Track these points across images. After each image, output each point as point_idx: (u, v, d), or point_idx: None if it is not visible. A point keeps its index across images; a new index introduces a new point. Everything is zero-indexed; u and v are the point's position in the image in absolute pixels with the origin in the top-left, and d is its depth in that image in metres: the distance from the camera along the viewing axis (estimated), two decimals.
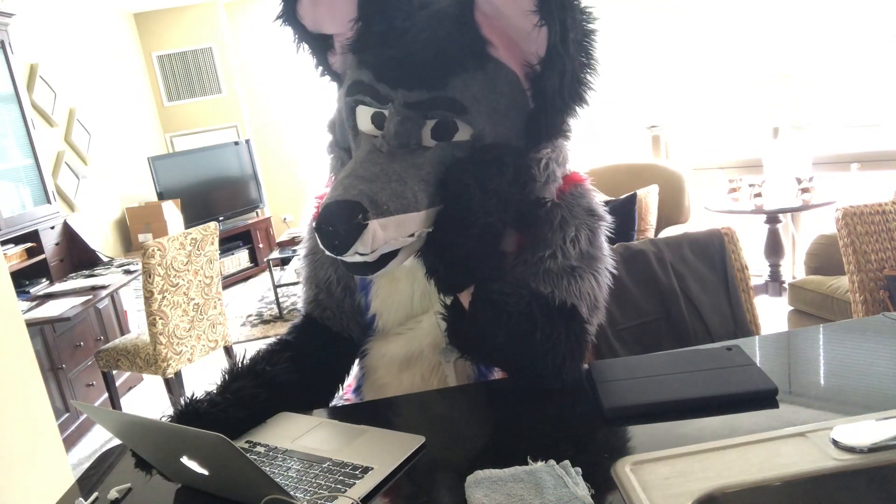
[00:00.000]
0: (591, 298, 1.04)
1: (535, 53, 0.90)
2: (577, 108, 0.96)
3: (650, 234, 3.55)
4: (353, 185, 0.88)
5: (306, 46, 1.05)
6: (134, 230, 5.12)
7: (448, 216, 0.94)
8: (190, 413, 0.99)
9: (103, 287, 3.32)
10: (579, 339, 1.01)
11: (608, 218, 1.11)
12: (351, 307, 1.19)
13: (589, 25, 0.91)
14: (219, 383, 1.10)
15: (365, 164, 0.92)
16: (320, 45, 1.05)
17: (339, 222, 0.85)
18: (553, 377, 1.00)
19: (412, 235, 0.93)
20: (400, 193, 0.90)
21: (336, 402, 1.26)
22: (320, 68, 1.09)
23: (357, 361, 1.24)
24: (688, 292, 1.55)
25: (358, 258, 0.89)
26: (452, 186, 0.93)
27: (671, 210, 3.72)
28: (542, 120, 0.95)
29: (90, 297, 3.16)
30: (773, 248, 3.78)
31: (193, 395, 1.04)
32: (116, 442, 1.02)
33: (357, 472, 0.86)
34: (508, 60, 0.92)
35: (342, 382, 1.22)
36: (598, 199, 1.13)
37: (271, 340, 1.20)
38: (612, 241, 1.72)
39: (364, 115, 1.00)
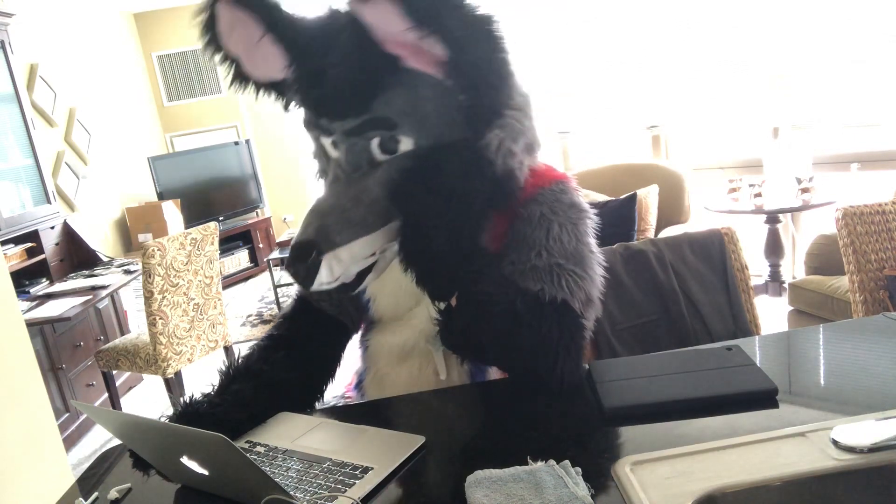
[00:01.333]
0: (583, 294, 1.04)
1: (440, 53, 0.92)
2: (506, 83, 0.97)
3: (650, 234, 3.55)
4: (311, 223, 0.97)
5: (273, 93, 1.13)
6: (134, 230, 5.12)
7: (405, 227, 0.97)
8: (190, 415, 1.00)
9: (103, 287, 3.32)
10: (574, 335, 1.01)
11: (592, 212, 1.12)
12: None
13: (477, 12, 0.91)
14: (215, 385, 1.10)
15: (325, 196, 1.01)
16: (276, 86, 1.11)
17: (297, 263, 0.95)
18: (548, 375, 1.00)
19: (373, 255, 1.00)
20: (350, 221, 0.96)
21: (337, 401, 1.26)
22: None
23: (360, 356, 1.24)
24: (688, 292, 1.55)
25: (327, 287, 0.97)
26: (397, 198, 0.97)
27: (671, 210, 3.72)
28: (477, 106, 0.97)
29: (90, 297, 3.16)
30: (773, 248, 3.78)
31: (192, 396, 1.04)
32: (116, 442, 1.02)
33: (357, 472, 0.86)
34: (422, 65, 0.95)
35: (335, 372, 1.22)
36: (582, 195, 1.13)
37: (262, 337, 1.20)
38: (612, 241, 1.73)
39: (328, 144, 1.06)
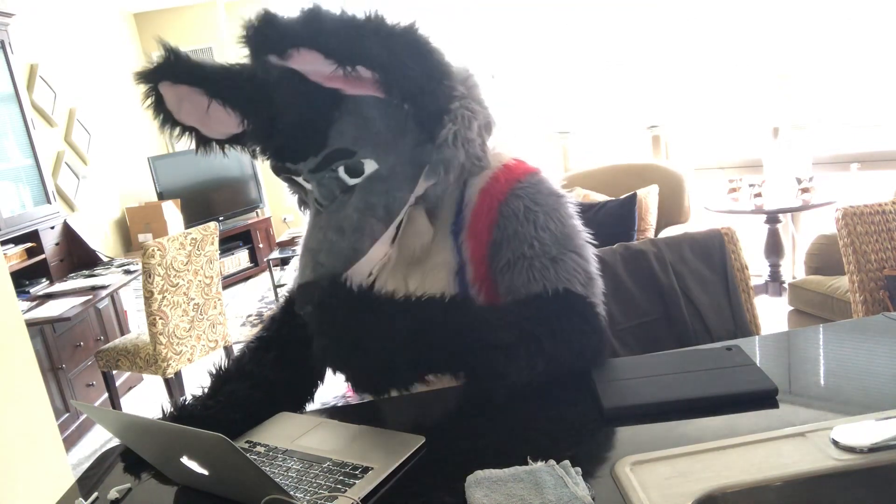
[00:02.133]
0: (582, 274, 1.07)
1: (372, 76, 0.94)
2: (443, 82, 0.98)
3: (650, 234, 3.56)
4: (307, 263, 1.01)
5: (238, 146, 1.16)
6: (134, 230, 5.12)
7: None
8: (184, 417, 1.00)
9: (103, 287, 3.32)
10: (587, 317, 1.05)
11: (569, 195, 1.15)
12: None
13: (398, 27, 0.93)
14: (207, 387, 1.11)
15: (311, 231, 1.05)
16: (239, 139, 1.15)
17: (307, 305, 0.99)
18: (580, 366, 1.03)
19: (370, 275, 1.04)
20: (340, 252, 1.00)
21: (337, 401, 1.26)
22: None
23: None
24: (688, 292, 1.55)
25: None
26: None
27: (671, 210, 3.72)
28: (423, 110, 1.00)
29: (90, 297, 3.16)
30: (773, 248, 3.78)
31: (185, 399, 1.05)
32: (116, 442, 1.02)
33: (357, 472, 0.86)
34: (361, 90, 0.98)
35: (324, 373, 1.22)
36: (554, 182, 1.16)
37: (251, 339, 1.21)
38: (612, 241, 1.73)
39: (301, 180, 1.09)
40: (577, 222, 1.13)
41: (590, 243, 1.13)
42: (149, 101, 1.07)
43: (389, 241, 1.06)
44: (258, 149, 1.07)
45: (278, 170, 1.07)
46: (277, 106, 1.00)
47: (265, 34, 0.89)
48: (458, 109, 1.03)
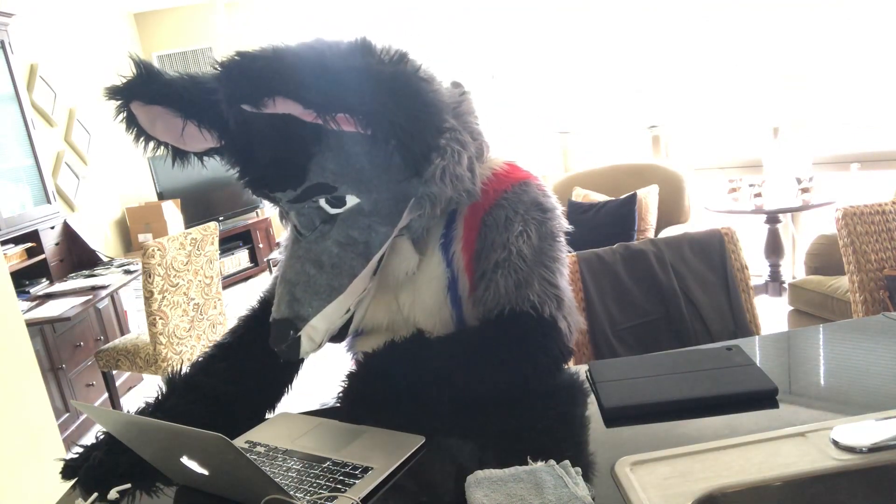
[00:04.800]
0: (549, 294, 1.05)
1: (353, 120, 0.91)
2: (429, 122, 0.93)
3: (650, 234, 3.56)
4: (282, 297, 1.00)
5: (218, 158, 1.11)
6: (134, 230, 5.12)
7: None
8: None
9: (103, 287, 3.32)
10: (546, 335, 1.03)
11: (558, 209, 1.12)
12: None
13: (384, 69, 0.89)
14: (154, 398, 1.08)
15: (290, 261, 1.03)
16: (218, 151, 1.10)
17: (280, 343, 0.98)
18: (537, 381, 1.03)
19: (349, 311, 1.02)
20: (317, 289, 0.98)
21: (337, 402, 1.26)
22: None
23: (351, 362, 1.23)
24: (688, 292, 1.55)
25: (312, 353, 1.01)
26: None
27: (671, 210, 3.72)
28: (409, 151, 0.94)
29: (90, 297, 3.16)
30: (773, 248, 3.78)
31: (129, 413, 1.03)
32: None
33: (357, 472, 0.86)
34: (343, 125, 0.93)
35: (285, 386, 1.19)
36: (549, 194, 1.13)
37: (213, 343, 1.17)
38: (612, 241, 1.73)
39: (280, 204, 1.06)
40: (558, 239, 1.10)
41: (566, 267, 1.11)
42: (120, 117, 1.03)
43: (370, 276, 1.03)
44: (236, 172, 1.03)
45: (258, 194, 1.04)
46: (254, 138, 0.96)
47: (237, 84, 0.84)
48: (447, 144, 0.99)
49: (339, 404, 1.04)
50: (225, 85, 0.85)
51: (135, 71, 1.00)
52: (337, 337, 1.05)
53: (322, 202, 0.99)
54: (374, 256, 1.02)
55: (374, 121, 0.88)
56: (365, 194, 0.99)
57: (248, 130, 0.96)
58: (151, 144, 1.05)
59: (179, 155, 1.09)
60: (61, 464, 0.99)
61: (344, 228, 1.00)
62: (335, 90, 0.85)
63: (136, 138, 1.04)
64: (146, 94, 1.00)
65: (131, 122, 1.03)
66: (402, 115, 0.88)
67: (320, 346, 1.01)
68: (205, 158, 1.10)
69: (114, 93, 1.01)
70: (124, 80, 1.01)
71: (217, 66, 0.86)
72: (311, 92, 0.84)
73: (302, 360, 1.17)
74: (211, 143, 1.04)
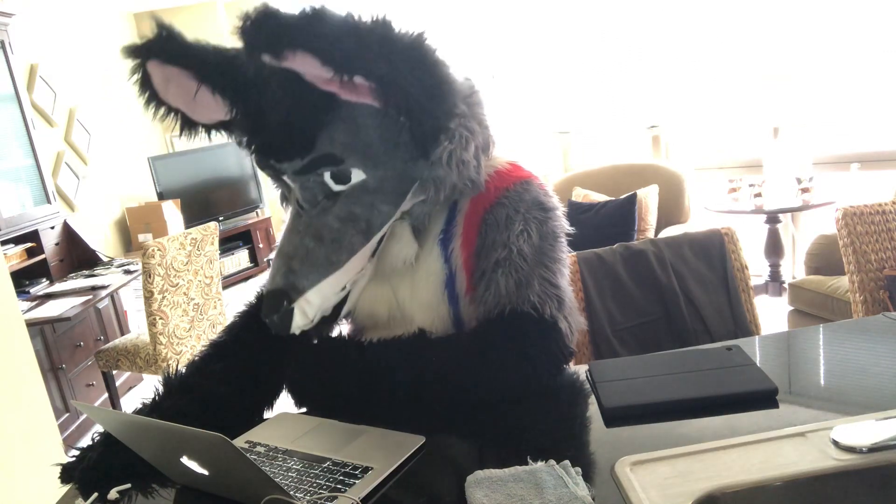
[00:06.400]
0: (550, 293, 1.04)
1: (368, 86, 0.91)
2: (443, 100, 0.94)
3: (650, 234, 3.56)
4: (279, 268, 1.00)
5: (224, 132, 1.12)
6: (134, 230, 5.11)
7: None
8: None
9: (103, 287, 3.32)
10: (546, 335, 1.02)
11: (559, 209, 1.12)
12: None
13: (405, 38, 0.89)
14: (151, 399, 1.07)
15: (289, 234, 1.03)
16: (225, 125, 1.10)
17: (272, 314, 0.97)
18: (537, 381, 1.02)
19: (344, 289, 1.02)
20: (315, 262, 0.98)
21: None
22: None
23: None
24: (688, 292, 1.55)
25: (306, 328, 1.00)
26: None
27: (671, 210, 3.72)
28: (420, 127, 0.96)
29: (90, 297, 3.16)
30: (773, 248, 3.78)
31: (129, 413, 1.02)
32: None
33: (357, 472, 0.86)
34: (357, 97, 0.94)
35: (279, 386, 1.16)
36: (550, 194, 1.13)
37: (207, 343, 1.17)
38: (612, 241, 1.72)
39: (285, 178, 1.05)
40: (559, 239, 1.10)
41: (567, 267, 1.10)
42: (135, 77, 1.02)
43: (368, 256, 1.03)
44: (244, 141, 1.04)
45: (263, 165, 1.04)
46: (267, 102, 0.96)
47: (261, 31, 0.84)
48: (456, 128, 0.99)
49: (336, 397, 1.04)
50: (248, 35, 0.85)
51: (156, 31, 1.00)
52: (329, 318, 1.04)
53: (327, 176, 0.99)
54: (375, 236, 1.02)
55: (389, 88, 0.88)
56: (371, 170, 0.99)
57: (261, 93, 0.96)
58: (162, 110, 1.06)
59: (188, 125, 1.09)
60: (59, 469, 0.99)
61: (347, 204, 1.00)
62: (357, 50, 0.85)
63: (148, 102, 1.05)
64: (165, 52, 1.00)
65: (145, 83, 1.03)
66: (418, 87, 0.89)
67: (312, 321, 1.00)
68: (212, 132, 1.10)
69: (132, 51, 1.01)
70: (143, 39, 1.01)
71: (241, 17, 0.86)
72: (332, 49, 0.84)
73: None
74: (221, 114, 1.04)
